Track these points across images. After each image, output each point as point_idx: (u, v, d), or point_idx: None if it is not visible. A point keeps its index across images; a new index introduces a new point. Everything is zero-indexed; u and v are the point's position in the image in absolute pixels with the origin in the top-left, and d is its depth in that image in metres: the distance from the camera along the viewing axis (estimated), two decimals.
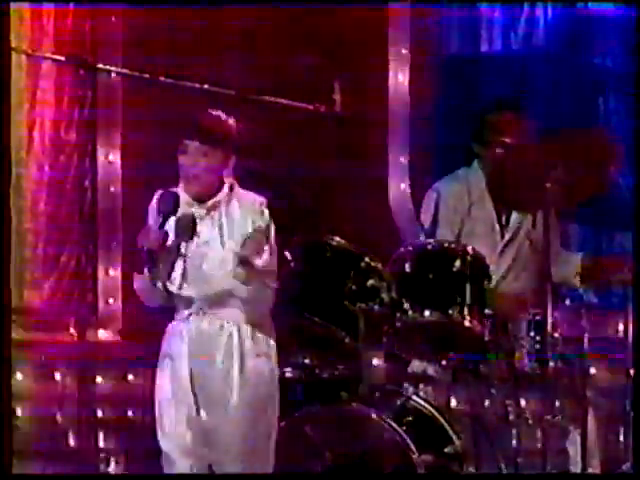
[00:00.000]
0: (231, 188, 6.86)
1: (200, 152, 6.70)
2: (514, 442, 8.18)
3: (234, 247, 6.66)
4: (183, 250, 6.69)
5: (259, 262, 6.58)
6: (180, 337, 6.82)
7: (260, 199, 6.89)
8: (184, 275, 6.70)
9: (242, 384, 6.71)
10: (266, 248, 6.73)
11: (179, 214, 6.71)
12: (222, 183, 6.85)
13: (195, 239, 6.68)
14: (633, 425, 6.48)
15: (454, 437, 7.95)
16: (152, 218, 6.85)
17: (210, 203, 6.77)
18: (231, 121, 6.92)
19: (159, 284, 6.72)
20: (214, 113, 6.92)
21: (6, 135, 4.78)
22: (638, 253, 5.68)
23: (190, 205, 6.74)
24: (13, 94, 11.85)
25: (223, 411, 6.74)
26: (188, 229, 6.64)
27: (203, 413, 6.76)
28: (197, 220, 6.71)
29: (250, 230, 6.76)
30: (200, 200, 6.78)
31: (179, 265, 6.70)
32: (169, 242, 6.67)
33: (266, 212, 6.83)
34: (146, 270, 6.70)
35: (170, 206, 6.66)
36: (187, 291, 6.72)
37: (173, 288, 6.71)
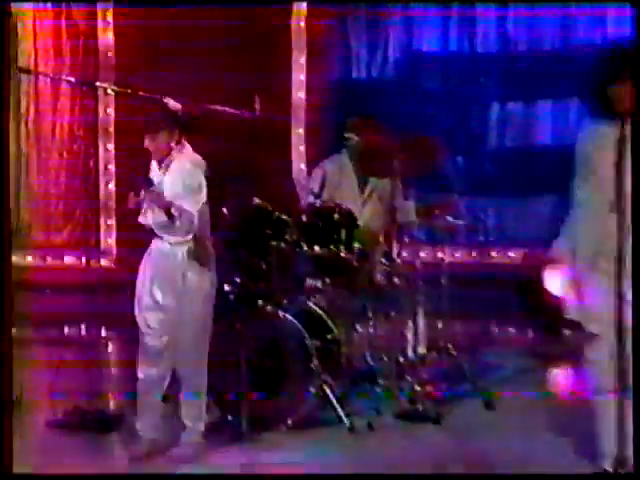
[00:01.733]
0: (177, 151, 8.05)
1: (150, 138, 8.00)
2: (371, 330, 9.53)
3: (173, 192, 7.85)
4: (151, 196, 7.92)
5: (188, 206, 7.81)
6: (147, 253, 8.18)
7: (198, 161, 8.10)
8: (145, 213, 8.06)
9: (183, 292, 7.94)
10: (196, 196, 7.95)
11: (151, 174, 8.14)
12: (171, 150, 8.03)
13: (164, 188, 7.92)
14: (633, 425, 5.82)
15: (333, 328, 9.06)
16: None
17: (163, 165, 8.05)
18: (169, 113, 8.10)
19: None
20: (153, 113, 8.23)
21: (6, 134, 4.83)
22: (638, 253, 5.27)
23: (157, 168, 8.14)
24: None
25: (170, 307, 8.01)
26: (147, 184, 7.95)
27: (158, 304, 8.02)
28: (151, 179, 8.04)
29: (181, 183, 7.92)
30: (160, 165, 8.09)
31: (149, 208, 8.01)
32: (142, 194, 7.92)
33: (198, 170, 8.04)
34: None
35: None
36: (148, 222, 8.06)
37: (142, 219, 8.10)
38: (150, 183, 7.96)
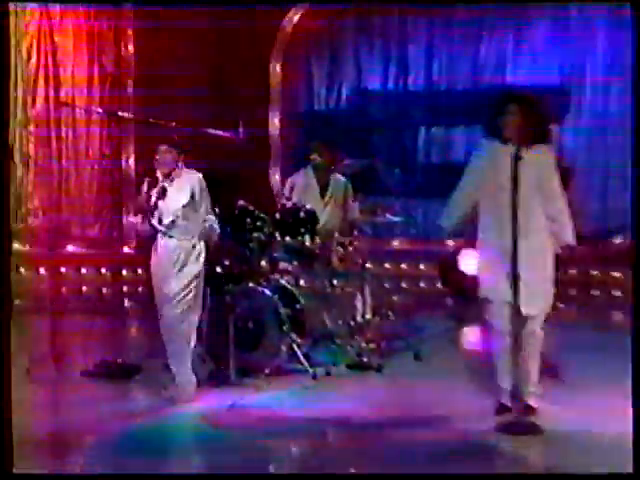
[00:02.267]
0: (181, 168, 7.95)
1: (164, 152, 7.90)
2: (329, 301, 9.39)
3: (181, 201, 7.83)
4: (160, 204, 7.82)
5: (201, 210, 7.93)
6: (155, 248, 8.01)
7: (197, 175, 7.99)
8: (159, 216, 7.86)
9: (180, 277, 7.89)
10: (203, 203, 7.97)
11: (158, 186, 7.86)
12: (177, 166, 7.94)
13: (165, 198, 7.81)
14: (633, 425, 5.03)
15: (300, 300, 9.00)
16: (144, 190, 7.94)
17: (170, 178, 7.88)
18: (178, 137, 8.11)
19: (147, 223, 7.92)
20: (166, 136, 8.12)
21: (6, 133, 4.22)
22: (638, 252, 4.73)
23: (163, 180, 7.90)
24: None
25: (171, 288, 7.90)
26: (162, 192, 7.79)
27: (163, 283, 7.92)
28: (167, 188, 7.82)
29: (189, 193, 7.87)
30: (166, 176, 7.89)
31: (157, 212, 7.85)
32: (152, 201, 7.83)
33: (202, 183, 7.97)
34: (140, 218, 8.02)
35: (153, 185, 7.90)
36: (160, 225, 7.88)
37: (154, 222, 7.88)
38: (164, 192, 7.81)
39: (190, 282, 7.98)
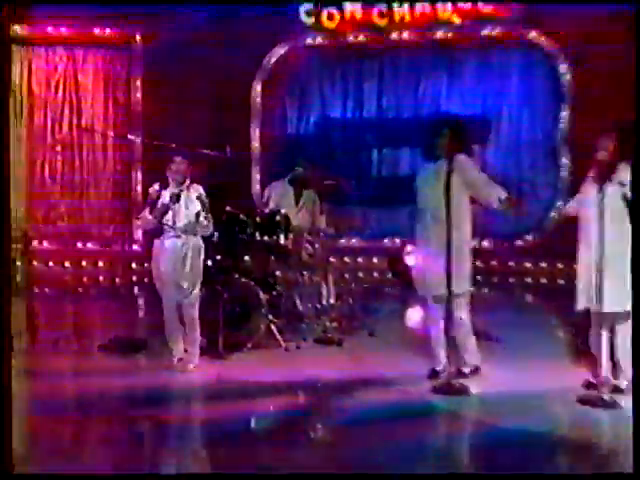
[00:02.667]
0: (191, 180, 7.87)
1: (180, 162, 7.80)
2: (300, 288, 9.41)
3: (195, 207, 7.79)
4: (173, 206, 7.72)
5: (202, 217, 7.83)
6: (164, 246, 7.84)
7: (201, 187, 7.91)
8: (173, 218, 7.75)
9: (187, 270, 7.82)
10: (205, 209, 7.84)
11: (170, 191, 7.73)
12: (188, 177, 7.87)
13: (178, 202, 7.71)
14: (633, 425, 4.37)
15: (277, 287, 9.00)
16: (154, 193, 7.83)
17: (183, 186, 7.78)
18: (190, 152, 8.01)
19: (155, 220, 7.77)
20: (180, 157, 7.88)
21: (6, 135, 3.77)
22: (638, 252, 4.24)
23: (175, 187, 7.77)
24: None
25: (181, 276, 7.83)
26: (176, 197, 7.66)
27: (172, 273, 7.83)
28: (180, 195, 7.72)
29: (197, 200, 7.79)
30: (179, 184, 7.79)
31: (170, 213, 7.73)
32: (164, 201, 7.70)
33: (203, 193, 7.88)
34: (148, 213, 7.84)
35: (161, 189, 7.78)
36: (173, 225, 7.76)
37: (169, 223, 7.75)
38: (178, 198, 7.73)
39: (197, 275, 7.94)
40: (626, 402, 6.49)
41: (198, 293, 8.03)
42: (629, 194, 6.67)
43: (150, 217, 7.89)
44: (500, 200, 7.29)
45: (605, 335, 6.98)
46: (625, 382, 6.96)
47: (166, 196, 7.79)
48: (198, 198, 7.88)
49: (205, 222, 7.92)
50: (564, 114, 12.90)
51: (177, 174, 7.85)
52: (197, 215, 7.84)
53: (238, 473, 4.94)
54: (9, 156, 3.94)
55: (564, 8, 11.91)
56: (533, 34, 12.90)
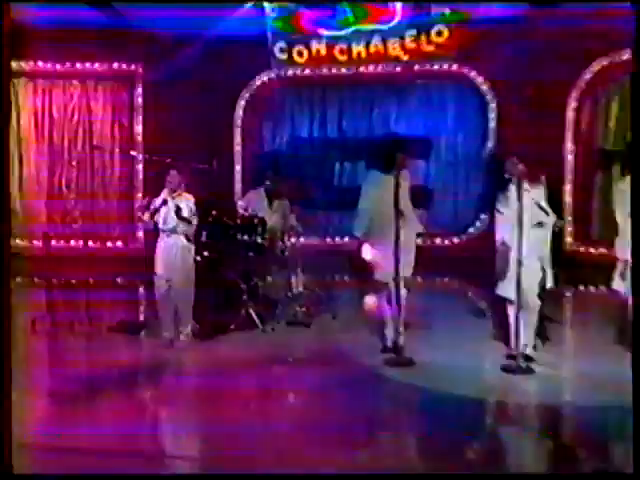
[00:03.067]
0: (182, 189, 7.85)
1: (174, 175, 7.80)
2: (275, 279, 9.16)
3: (184, 213, 7.71)
4: (163, 209, 7.71)
5: (193, 218, 7.85)
6: (159, 247, 7.89)
7: (191, 196, 7.88)
8: (164, 219, 7.75)
9: (179, 265, 7.83)
10: (194, 215, 7.87)
11: (162, 197, 7.74)
12: (180, 187, 7.83)
13: (168, 206, 7.68)
14: (633, 425, 3.73)
15: (255, 278, 8.80)
16: (150, 198, 7.91)
17: (175, 195, 7.75)
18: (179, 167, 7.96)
19: (152, 220, 7.79)
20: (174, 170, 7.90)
21: (6, 137, 3.27)
22: (638, 253, 3.91)
23: (167, 194, 7.75)
24: None
25: (173, 271, 7.81)
26: (163, 202, 7.65)
27: (165, 269, 7.84)
28: (169, 201, 7.68)
29: (186, 207, 7.75)
30: (172, 191, 7.77)
31: (162, 215, 7.73)
32: (155, 205, 7.72)
33: (192, 200, 7.84)
34: (147, 214, 7.80)
35: (156, 198, 7.77)
36: (164, 226, 7.78)
37: (160, 223, 7.78)
38: (165, 202, 7.70)
39: (188, 270, 7.89)
40: (537, 368, 6.92)
41: (191, 284, 7.95)
42: (542, 203, 7.01)
43: (145, 216, 7.87)
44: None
45: (518, 315, 7.07)
46: (534, 352, 7.19)
47: (158, 201, 7.77)
48: (187, 205, 7.81)
49: (192, 226, 7.89)
50: (490, 135, 12.92)
51: (170, 184, 7.82)
52: (184, 218, 7.77)
53: (238, 473, 4.54)
54: (9, 158, 3.31)
55: (497, 49, 12.02)
56: (466, 71, 12.94)
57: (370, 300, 8.79)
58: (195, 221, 7.94)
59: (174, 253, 7.83)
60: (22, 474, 4.09)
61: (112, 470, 4.74)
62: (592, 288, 11.25)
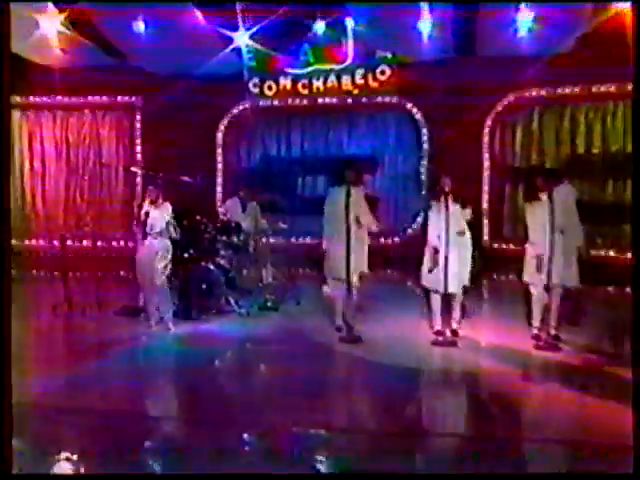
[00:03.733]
0: (162, 200, 7.54)
1: (152, 190, 7.57)
2: (248, 271, 9.07)
3: (161, 218, 7.48)
4: (150, 217, 7.46)
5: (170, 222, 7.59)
6: (142, 245, 7.57)
7: (169, 204, 7.58)
8: (150, 226, 7.48)
9: (155, 263, 7.48)
10: (172, 220, 7.63)
11: (145, 210, 7.51)
12: (159, 198, 7.55)
13: (151, 215, 7.44)
14: (633, 424, 3.22)
15: (231, 272, 8.61)
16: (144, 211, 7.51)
17: (155, 204, 7.51)
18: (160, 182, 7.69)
19: (138, 227, 7.60)
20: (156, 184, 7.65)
21: (6, 141, 2.85)
22: (638, 253, 3.45)
23: (150, 205, 7.53)
24: None
25: (150, 268, 7.52)
26: (146, 214, 7.45)
27: (145, 267, 7.57)
28: (151, 211, 7.47)
29: (166, 214, 7.53)
30: (152, 203, 7.53)
31: (149, 223, 7.46)
32: (142, 218, 7.48)
33: (170, 209, 7.56)
34: (136, 225, 7.81)
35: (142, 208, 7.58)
36: (151, 231, 7.48)
37: (148, 229, 7.48)
38: (147, 214, 7.51)
39: (165, 266, 7.64)
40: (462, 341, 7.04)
41: (166, 277, 7.71)
42: (467, 213, 6.99)
43: (137, 227, 7.77)
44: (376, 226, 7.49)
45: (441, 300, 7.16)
46: (460, 328, 7.23)
47: (142, 212, 7.61)
48: (166, 212, 7.64)
49: (172, 229, 7.69)
50: (424, 155, 12.88)
51: (150, 197, 7.63)
52: (167, 224, 7.62)
53: (238, 473, 4.15)
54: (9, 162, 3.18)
55: (428, 85, 12.10)
56: (404, 102, 12.92)
57: (327, 289, 8.76)
58: (173, 226, 7.74)
59: (155, 251, 7.58)
60: (22, 474, 3.88)
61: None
62: (503, 277, 11.34)
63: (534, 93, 12.00)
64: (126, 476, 4.16)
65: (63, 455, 4.34)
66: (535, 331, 7.02)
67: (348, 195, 7.15)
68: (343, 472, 4.22)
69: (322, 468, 4.21)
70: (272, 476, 4.12)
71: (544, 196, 6.78)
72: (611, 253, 11.11)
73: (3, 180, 2.85)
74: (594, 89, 11.45)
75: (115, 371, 6.29)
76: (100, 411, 5.16)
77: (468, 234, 7.08)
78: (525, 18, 10.58)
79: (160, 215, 7.58)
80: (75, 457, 4.34)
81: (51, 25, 11.12)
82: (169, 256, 7.71)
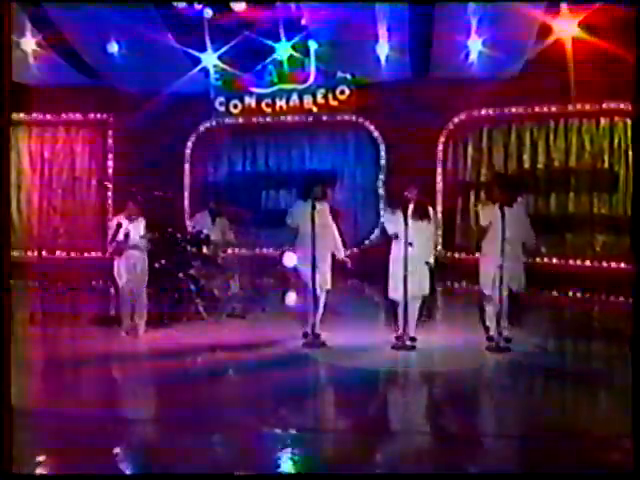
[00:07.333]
0: (138, 215, 7.66)
1: (132, 208, 7.67)
2: (218, 281, 8.87)
3: (136, 232, 7.59)
4: (129, 232, 7.53)
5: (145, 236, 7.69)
6: (121, 256, 7.59)
7: (143, 218, 7.69)
8: (125, 239, 7.52)
9: (138, 272, 7.60)
10: (146, 232, 7.71)
11: (125, 224, 7.55)
12: (139, 214, 7.71)
13: (128, 229, 7.51)
14: (633, 424, 3.22)
15: (201, 281, 8.56)
16: (116, 224, 7.62)
17: (133, 219, 7.60)
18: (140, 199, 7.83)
19: (111, 240, 7.58)
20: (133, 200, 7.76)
21: (6, 145, 2.87)
22: (638, 253, 3.44)
23: (129, 221, 7.61)
24: None
25: (133, 276, 7.60)
26: (118, 227, 7.49)
27: (128, 275, 7.61)
28: (128, 225, 7.53)
29: (143, 227, 7.66)
30: (130, 219, 7.61)
31: (125, 237, 7.50)
32: (121, 235, 7.50)
33: (144, 223, 7.68)
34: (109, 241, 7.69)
35: (119, 223, 7.59)
36: (128, 243, 7.53)
37: (128, 242, 7.52)
38: (119, 227, 7.53)
39: (142, 275, 7.67)
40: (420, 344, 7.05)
41: (144, 285, 7.74)
42: (429, 222, 7.04)
43: (111, 247, 7.71)
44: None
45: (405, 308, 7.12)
46: (414, 336, 7.19)
47: (121, 231, 7.57)
48: (142, 228, 7.68)
49: (145, 242, 7.73)
50: (382, 170, 12.93)
51: (130, 212, 7.67)
52: (141, 237, 7.65)
53: (237, 473, 4.00)
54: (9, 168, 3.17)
55: (385, 104, 12.18)
56: (362, 120, 13.00)
57: (290, 297, 8.77)
58: (147, 238, 7.78)
59: (133, 263, 7.63)
60: (22, 474, 3.72)
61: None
62: (456, 284, 11.46)
63: (483, 112, 12.23)
64: (126, 476, 4.06)
65: (37, 458, 4.15)
66: (490, 333, 7.13)
67: (313, 208, 7.13)
68: (341, 472, 4.10)
69: (288, 467, 4.12)
70: (272, 476, 3.99)
71: (497, 207, 6.82)
72: (554, 260, 11.33)
73: (2, 193, 2.86)
74: (537, 109, 11.73)
75: (87, 377, 6.26)
76: (74, 414, 5.06)
77: (430, 244, 7.14)
78: (476, 44, 10.83)
79: (135, 229, 7.63)
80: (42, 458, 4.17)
81: (27, 44, 11.02)
82: (145, 267, 7.73)
